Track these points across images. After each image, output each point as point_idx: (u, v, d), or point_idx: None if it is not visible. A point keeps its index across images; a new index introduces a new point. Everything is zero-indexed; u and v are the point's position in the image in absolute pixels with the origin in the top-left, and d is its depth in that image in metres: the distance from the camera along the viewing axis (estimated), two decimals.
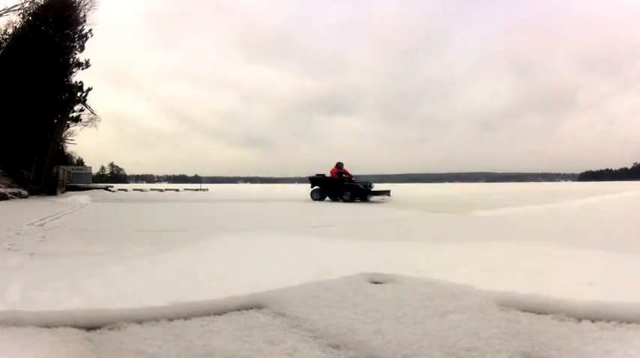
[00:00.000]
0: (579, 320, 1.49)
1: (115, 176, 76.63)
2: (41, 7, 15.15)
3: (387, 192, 13.63)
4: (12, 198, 11.97)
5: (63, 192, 17.83)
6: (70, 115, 17.79)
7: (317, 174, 13.86)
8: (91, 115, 18.47)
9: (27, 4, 15.09)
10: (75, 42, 16.78)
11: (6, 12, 14.49)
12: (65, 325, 1.53)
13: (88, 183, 26.64)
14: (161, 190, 26.64)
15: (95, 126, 19.13)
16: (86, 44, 16.87)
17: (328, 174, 13.46)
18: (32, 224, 5.33)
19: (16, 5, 14.74)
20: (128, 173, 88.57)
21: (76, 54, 16.98)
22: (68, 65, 16.79)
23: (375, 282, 2.25)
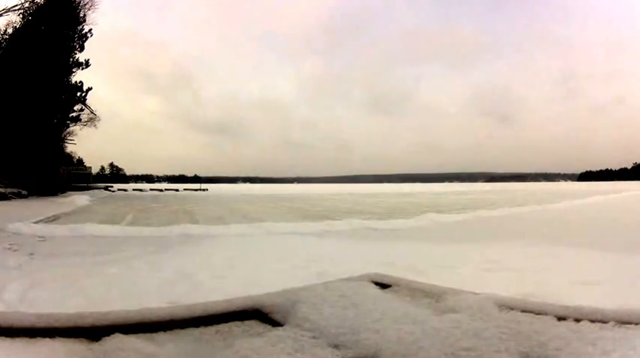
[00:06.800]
0: (578, 320, 1.49)
1: (115, 176, 76.53)
2: (41, 7, 15.15)
3: None
4: (12, 197, 11.98)
5: (63, 192, 17.83)
6: (70, 115, 17.79)
7: None
8: (91, 115, 18.49)
9: (27, 4, 15.10)
10: (75, 42, 16.77)
11: (6, 12, 14.52)
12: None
13: (88, 183, 26.66)
14: (161, 190, 26.65)
15: (95, 125, 19.16)
16: (85, 44, 16.88)
17: None
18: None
19: (16, 5, 14.77)
20: (128, 173, 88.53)
21: (76, 54, 16.99)
22: (68, 65, 16.78)
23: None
